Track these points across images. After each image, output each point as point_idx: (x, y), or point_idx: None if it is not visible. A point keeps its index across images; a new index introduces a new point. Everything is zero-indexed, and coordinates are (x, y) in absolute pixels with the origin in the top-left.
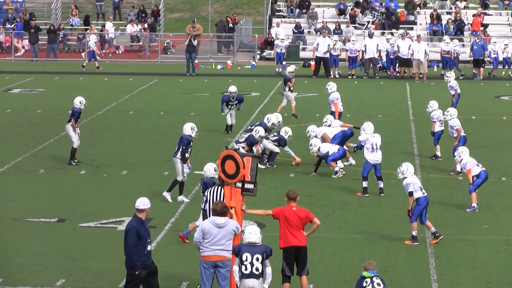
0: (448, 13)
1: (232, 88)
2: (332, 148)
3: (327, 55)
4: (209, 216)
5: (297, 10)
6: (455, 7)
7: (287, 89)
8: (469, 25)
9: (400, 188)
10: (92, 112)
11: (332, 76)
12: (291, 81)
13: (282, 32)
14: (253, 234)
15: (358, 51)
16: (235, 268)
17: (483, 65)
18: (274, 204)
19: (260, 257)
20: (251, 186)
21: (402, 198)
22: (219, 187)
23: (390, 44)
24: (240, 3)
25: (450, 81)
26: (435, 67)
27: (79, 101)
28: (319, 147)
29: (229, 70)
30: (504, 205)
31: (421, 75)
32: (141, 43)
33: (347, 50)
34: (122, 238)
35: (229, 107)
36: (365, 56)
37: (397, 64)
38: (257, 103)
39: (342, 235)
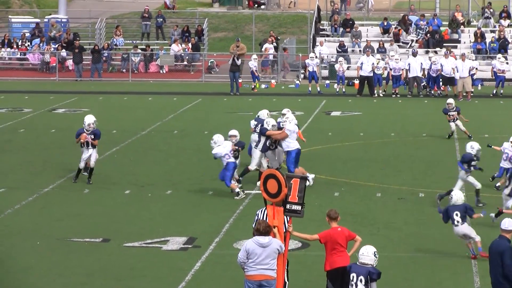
0: (492, 31)
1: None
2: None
3: (371, 74)
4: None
5: (341, 29)
6: (499, 25)
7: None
8: None
9: (445, 206)
10: (137, 132)
11: (376, 95)
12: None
13: (326, 51)
14: (365, 255)
15: (402, 69)
16: None
17: None
18: (319, 223)
19: (363, 278)
20: (298, 207)
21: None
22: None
23: (433, 62)
24: (284, 22)
25: None
26: (479, 85)
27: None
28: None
29: (273, 90)
30: None
31: (465, 94)
32: (185, 63)
33: (390, 69)
34: (167, 258)
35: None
36: (409, 74)
37: (441, 83)
38: (302, 122)
39: (386, 253)
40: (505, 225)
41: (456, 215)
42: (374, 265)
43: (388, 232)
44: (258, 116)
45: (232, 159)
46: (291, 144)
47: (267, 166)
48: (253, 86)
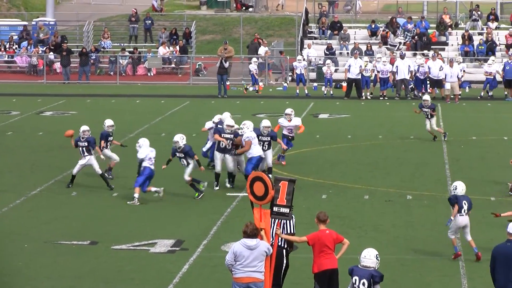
0: (479, 33)
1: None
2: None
3: (359, 76)
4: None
5: (329, 32)
6: (486, 28)
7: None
8: (501, 45)
9: (432, 209)
10: (124, 135)
11: (364, 97)
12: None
13: (314, 53)
14: (367, 258)
15: (390, 72)
16: None
17: None
18: (307, 226)
19: (366, 282)
20: (286, 210)
21: (434, 219)
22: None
23: (420, 65)
24: (271, 24)
25: None
26: (467, 87)
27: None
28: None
29: (261, 92)
30: None
31: (453, 96)
32: (173, 65)
33: (378, 72)
34: (155, 261)
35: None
36: (396, 77)
37: (428, 85)
38: None
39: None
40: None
41: (465, 204)
42: (376, 268)
43: (376, 235)
44: (219, 119)
45: (150, 165)
46: (253, 150)
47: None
48: (255, 89)
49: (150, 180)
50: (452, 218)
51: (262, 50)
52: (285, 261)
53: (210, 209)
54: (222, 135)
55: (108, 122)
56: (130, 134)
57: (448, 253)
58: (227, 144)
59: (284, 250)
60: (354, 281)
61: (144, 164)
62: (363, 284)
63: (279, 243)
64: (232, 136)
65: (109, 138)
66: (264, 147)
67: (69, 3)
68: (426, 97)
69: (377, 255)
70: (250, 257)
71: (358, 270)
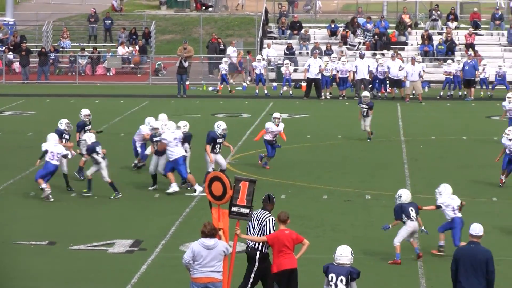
0: (439, 33)
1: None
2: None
3: (319, 76)
4: None
5: (289, 32)
6: (446, 28)
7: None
8: (460, 45)
9: (391, 209)
10: None
11: (323, 97)
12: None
13: (274, 53)
14: (343, 255)
15: (349, 71)
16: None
17: (474, 85)
18: None
19: (344, 278)
20: (246, 210)
21: (393, 219)
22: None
23: (380, 65)
24: (231, 24)
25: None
26: (426, 87)
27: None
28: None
29: (221, 92)
30: (494, 226)
31: (416, 96)
32: (132, 65)
33: (337, 71)
34: (113, 261)
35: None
36: (356, 77)
37: (388, 85)
38: (249, 124)
39: (332, 256)
40: (476, 231)
41: (412, 210)
42: (351, 264)
43: (335, 234)
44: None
45: (54, 161)
46: (175, 152)
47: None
48: (216, 88)
49: (51, 176)
50: (390, 226)
51: (230, 50)
52: (257, 264)
53: (168, 209)
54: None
55: (85, 111)
56: None
57: (406, 253)
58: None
59: (258, 253)
60: (330, 279)
61: (47, 158)
62: (341, 281)
63: (253, 245)
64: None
65: (86, 127)
66: (216, 150)
67: (28, 3)
68: (366, 93)
69: (352, 252)
70: (208, 257)
71: (334, 267)
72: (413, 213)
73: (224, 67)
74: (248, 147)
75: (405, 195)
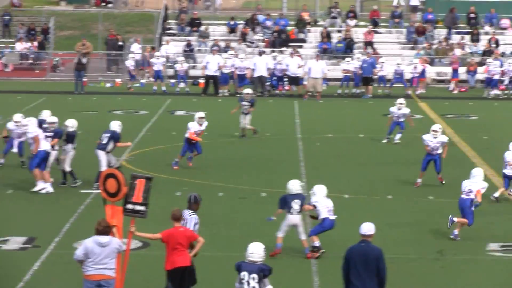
0: (338, 31)
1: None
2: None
3: (217, 73)
4: None
5: (188, 28)
6: (345, 25)
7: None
8: (359, 43)
9: None
10: None
11: (221, 94)
12: None
13: (173, 50)
14: (254, 253)
15: (247, 69)
16: (236, 285)
17: (372, 83)
18: (161, 223)
19: (256, 276)
20: (142, 208)
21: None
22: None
23: (278, 62)
24: (131, 21)
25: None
26: (324, 85)
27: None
28: None
29: (118, 88)
30: (388, 223)
31: (315, 94)
32: (30, 61)
33: (236, 68)
34: (6, 258)
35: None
36: (254, 74)
37: (286, 82)
38: (146, 121)
39: (228, 253)
40: (365, 230)
41: (295, 203)
42: (263, 261)
43: (229, 232)
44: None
45: None
46: (40, 145)
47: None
48: (129, 86)
49: None
50: (273, 218)
51: (135, 47)
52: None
53: (63, 206)
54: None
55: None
56: None
57: (299, 251)
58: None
59: None
60: (242, 276)
61: None
62: (253, 278)
63: None
64: (52, 134)
65: None
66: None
67: None
68: (248, 90)
69: (264, 249)
70: (102, 254)
71: (246, 265)
72: (296, 206)
73: (130, 63)
74: (145, 144)
75: (290, 185)
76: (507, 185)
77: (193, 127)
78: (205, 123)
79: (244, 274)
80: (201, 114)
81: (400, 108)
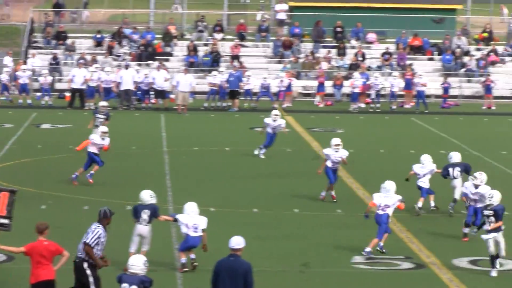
0: (205, 44)
1: None
2: None
3: (84, 86)
4: None
5: (54, 41)
6: (212, 39)
7: None
8: (226, 56)
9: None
10: None
11: (87, 107)
12: None
13: (39, 63)
14: (135, 265)
15: (113, 82)
16: None
17: (238, 96)
18: (27, 237)
19: None
20: (6, 221)
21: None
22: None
23: (144, 75)
24: None
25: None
26: (191, 98)
27: None
28: None
29: None
30: (255, 236)
31: (182, 107)
32: None
33: (102, 81)
34: None
35: None
36: (120, 87)
37: (153, 96)
38: (10, 135)
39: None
40: (232, 244)
41: (145, 213)
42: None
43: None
44: None
45: None
46: None
47: None
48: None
49: None
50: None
51: (8, 60)
52: (89, 273)
53: None
54: None
55: None
56: None
57: (167, 265)
58: None
59: (86, 263)
60: None
61: None
62: None
63: (81, 255)
64: None
65: None
66: None
67: None
68: (103, 103)
69: (145, 261)
70: None
71: (127, 277)
72: (145, 216)
73: (5, 76)
74: (10, 158)
75: (142, 195)
76: (425, 194)
77: (95, 139)
78: (108, 139)
79: (125, 286)
80: (104, 128)
81: (275, 120)
